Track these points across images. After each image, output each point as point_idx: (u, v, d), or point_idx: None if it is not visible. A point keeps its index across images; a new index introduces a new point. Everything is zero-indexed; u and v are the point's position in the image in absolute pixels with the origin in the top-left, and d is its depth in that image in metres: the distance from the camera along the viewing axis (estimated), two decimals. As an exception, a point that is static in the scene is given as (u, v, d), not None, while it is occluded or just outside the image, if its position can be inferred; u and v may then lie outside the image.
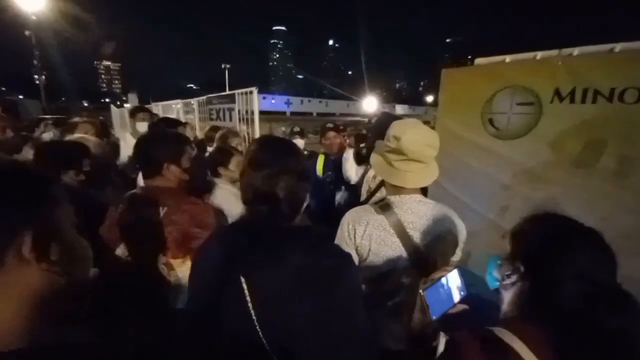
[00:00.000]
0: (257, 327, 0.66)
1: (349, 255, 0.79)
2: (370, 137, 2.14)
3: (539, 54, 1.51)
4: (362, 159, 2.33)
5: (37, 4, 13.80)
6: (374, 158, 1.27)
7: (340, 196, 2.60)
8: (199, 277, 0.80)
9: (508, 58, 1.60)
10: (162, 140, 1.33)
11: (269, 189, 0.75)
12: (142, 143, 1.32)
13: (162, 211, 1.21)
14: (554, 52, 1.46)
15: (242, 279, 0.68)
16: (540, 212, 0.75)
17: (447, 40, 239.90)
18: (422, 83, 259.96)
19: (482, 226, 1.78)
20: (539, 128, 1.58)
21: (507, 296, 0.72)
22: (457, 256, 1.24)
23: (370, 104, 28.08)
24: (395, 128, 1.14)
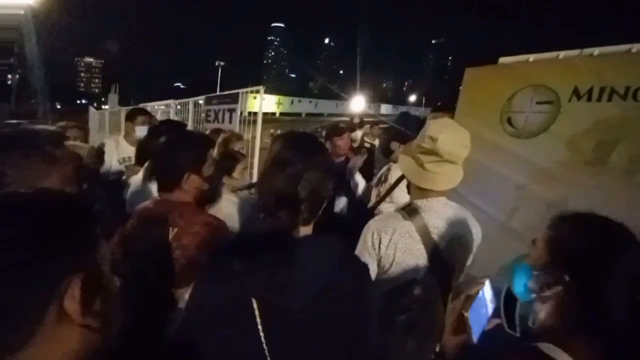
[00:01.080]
0: (266, 352, 0.63)
1: (367, 269, 0.79)
2: (386, 138, 2.07)
3: (562, 54, 1.55)
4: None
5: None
6: (403, 160, 1.22)
7: (339, 201, 2.51)
8: (200, 300, 0.72)
9: (531, 57, 1.64)
10: (184, 147, 1.15)
11: (292, 190, 0.70)
12: (162, 152, 1.16)
13: (172, 233, 1.06)
14: (575, 52, 1.51)
15: (254, 301, 0.64)
16: (568, 213, 0.71)
17: (433, 42, 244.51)
18: (406, 83, 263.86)
19: (490, 229, 1.76)
20: (555, 127, 1.59)
21: (546, 308, 0.67)
22: (469, 261, 1.21)
23: (357, 104, 28.16)
24: (431, 128, 1.11)
